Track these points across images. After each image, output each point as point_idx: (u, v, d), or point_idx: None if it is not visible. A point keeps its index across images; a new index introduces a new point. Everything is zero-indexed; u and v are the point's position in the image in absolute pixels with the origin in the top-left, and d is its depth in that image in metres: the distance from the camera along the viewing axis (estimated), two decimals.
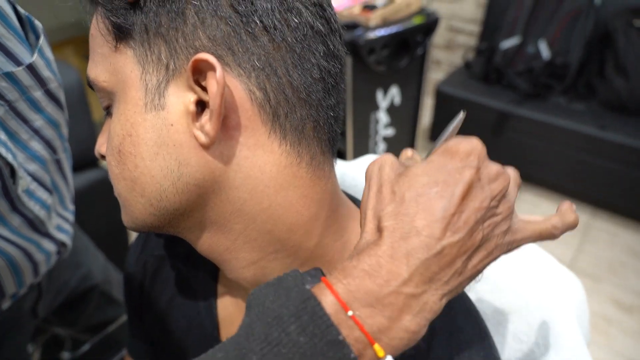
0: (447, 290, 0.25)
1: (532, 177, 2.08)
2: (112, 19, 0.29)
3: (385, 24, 1.40)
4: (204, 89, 0.28)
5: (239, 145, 0.29)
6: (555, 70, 1.90)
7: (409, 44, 1.47)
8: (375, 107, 1.57)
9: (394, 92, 1.59)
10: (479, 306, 0.52)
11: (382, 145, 1.70)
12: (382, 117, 1.62)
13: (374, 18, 1.38)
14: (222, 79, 0.26)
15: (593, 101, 1.89)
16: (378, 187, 0.27)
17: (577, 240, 1.79)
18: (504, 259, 0.53)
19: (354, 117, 1.51)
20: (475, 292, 0.52)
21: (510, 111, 1.91)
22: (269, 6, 0.28)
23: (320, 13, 0.30)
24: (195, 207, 0.31)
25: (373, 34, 1.36)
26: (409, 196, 0.25)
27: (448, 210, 0.24)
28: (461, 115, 0.31)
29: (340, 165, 0.66)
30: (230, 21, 0.28)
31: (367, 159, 0.67)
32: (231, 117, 0.29)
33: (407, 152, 0.33)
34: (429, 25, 1.51)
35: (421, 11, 1.50)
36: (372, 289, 0.23)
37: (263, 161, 0.30)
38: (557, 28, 1.88)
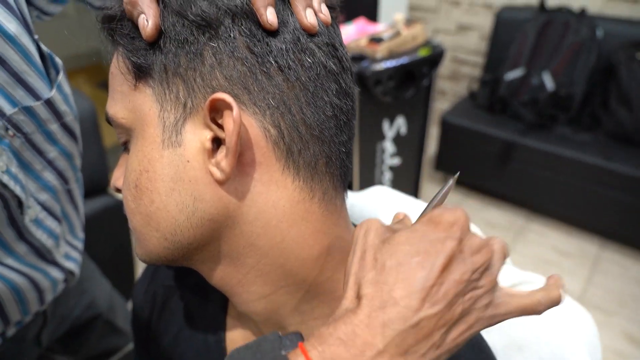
0: None
1: (539, 208, 2.06)
2: (132, 59, 0.30)
3: (391, 56, 1.43)
4: (220, 126, 0.28)
5: (253, 181, 0.30)
6: (560, 101, 1.92)
7: (415, 76, 1.50)
8: (381, 136, 1.59)
9: (400, 122, 1.61)
10: (489, 340, 0.51)
11: (388, 175, 1.70)
12: (389, 146, 1.63)
13: (380, 50, 1.41)
14: (238, 117, 0.27)
15: (598, 132, 1.90)
16: (362, 253, 0.27)
17: (587, 272, 1.76)
18: None
19: (360, 146, 1.52)
20: None
21: (515, 141, 1.92)
22: (284, 47, 0.29)
23: (333, 53, 0.31)
24: (209, 241, 0.31)
25: (379, 66, 1.39)
26: (390, 264, 0.25)
27: (427, 281, 0.24)
28: (451, 182, 0.31)
29: (355, 197, 0.66)
30: (246, 62, 0.29)
31: (374, 190, 0.68)
32: (246, 154, 0.29)
33: (399, 215, 0.33)
34: (435, 57, 1.54)
35: (427, 44, 1.54)
36: (346, 358, 0.23)
37: (277, 197, 0.30)
38: (560, 60, 1.91)
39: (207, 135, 0.29)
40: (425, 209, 0.31)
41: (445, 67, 2.60)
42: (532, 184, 1.97)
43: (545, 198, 1.97)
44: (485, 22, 2.35)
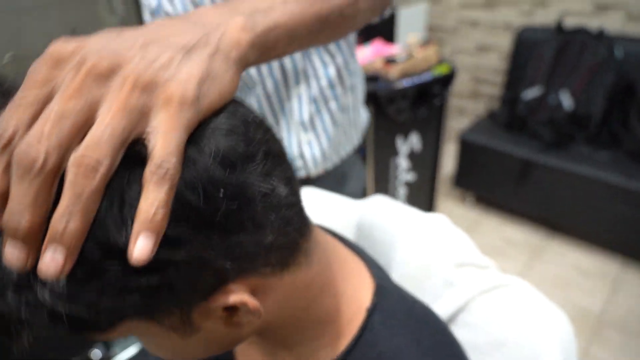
0: None
1: (558, 226, 2.05)
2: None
3: (404, 76, 1.50)
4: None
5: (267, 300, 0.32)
6: (578, 120, 1.93)
7: (428, 95, 1.56)
8: (395, 152, 1.64)
9: (414, 139, 1.66)
10: (471, 337, 0.55)
11: (402, 190, 1.75)
12: (403, 162, 1.68)
13: (394, 71, 1.47)
14: (258, 309, 0.29)
15: (618, 150, 1.89)
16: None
17: (607, 292, 1.74)
18: (492, 296, 0.57)
19: (374, 162, 1.58)
20: (459, 327, 0.56)
21: (534, 160, 1.93)
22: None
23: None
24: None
25: (393, 86, 1.45)
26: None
27: None
28: None
29: (355, 206, 0.72)
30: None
31: (374, 200, 0.73)
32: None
33: None
34: (447, 77, 1.59)
35: (439, 65, 1.59)
36: None
37: (274, 298, 0.32)
38: (578, 79, 1.93)
39: (220, 313, 0.29)
40: None
41: (465, 86, 2.64)
42: (552, 202, 1.97)
43: (564, 216, 1.96)
44: (504, 42, 2.38)
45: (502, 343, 0.54)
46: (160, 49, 0.25)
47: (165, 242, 0.23)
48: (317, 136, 0.87)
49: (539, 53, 2.05)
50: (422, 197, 1.86)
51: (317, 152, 0.87)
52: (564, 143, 1.96)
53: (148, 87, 0.23)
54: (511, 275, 0.61)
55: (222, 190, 0.25)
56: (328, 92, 0.83)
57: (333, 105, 0.84)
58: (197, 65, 0.25)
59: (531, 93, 2.03)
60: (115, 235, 0.23)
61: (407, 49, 1.60)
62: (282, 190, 0.29)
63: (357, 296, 0.38)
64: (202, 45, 0.26)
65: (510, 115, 2.12)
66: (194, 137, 0.25)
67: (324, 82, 0.82)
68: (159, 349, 0.32)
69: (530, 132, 2.04)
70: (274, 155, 0.29)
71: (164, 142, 0.23)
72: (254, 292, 0.30)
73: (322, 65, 0.81)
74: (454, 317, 0.58)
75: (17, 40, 2.18)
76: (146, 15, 0.78)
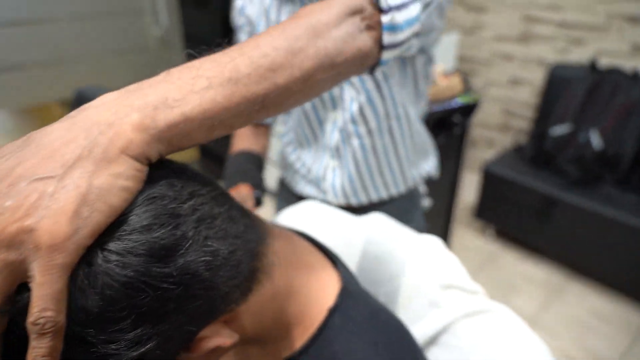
0: None
1: (580, 268, 1.98)
2: None
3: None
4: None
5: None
6: (607, 160, 1.88)
7: (448, 123, 1.57)
8: None
9: None
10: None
11: None
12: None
13: None
14: (233, 342, 0.32)
15: None
16: None
17: (627, 342, 1.66)
18: (476, 320, 0.57)
19: None
20: (440, 347, 0.56)
21: (558, 196, 1.89)
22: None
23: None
24: None
25: None
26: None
27: None
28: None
29: (354, 222, 0.74)
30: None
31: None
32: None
33: None
34: (469, 107, 1.60)
35: (464, 94, 1.60)
36: None
37: (245, 318, 0.35)
38: (609, 119, 1.89)
39: (204, 353, 0.31)
40: None
41: (495, 118, 2.62)
42: (574, 242, 1.91)
43: (587, 258, 1.89)
44: (537, 77, 2.37)
45: None
46: (28, 186, 0.23)
47: (131, 344, 0.26)
48: (342, 166, 0.86)
49: (571, 90, 2.02)
50: (438, 225, 1.85)
51: (337, 182, 0.87)
52: (591, 182, 1.91)
53: (14, 241, 0.22)
54: (498, 303, 0.61)
55: (164, 281, 0.26)
56: (350, 127, 0.81)
57: (355, 142, 0.82)
58: (73, 192, 0.23)
59: (560, 129, 2.00)
60: None
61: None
62: (222, 244, 0.30)
63: (321, 296, 0.40)
64: (84, 157, 0.25)
65: (537, 150, 2.10)
66: (118, 243, 0.25)
67: (347, 116, 0.81)
68: None
69: (556, 168, 2.01)
70: (204, 217, 0.29)
71: (38, 294, 0.22)
72: (227, 322, 0.33)
73: (350, 99, 0.79)
74: (435, 337, 0.59)
75: (69, 46, 2.34)
76: (235, 14, 0.83)
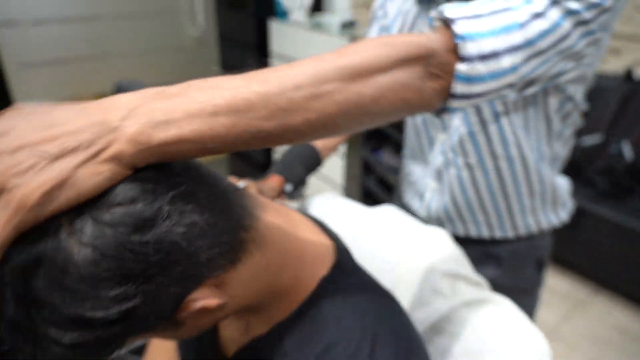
0: None
1: (604, 282, 1.93)
2: None
3: None
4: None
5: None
6: (638, 173, 1.83)
7: None
8: None
9: None
10: (448, 345, 0.58)
11: None
12: None
13: None
14: (219, 304, 0.35)
15: None
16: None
17: None
18: (476, 309, 0.59)
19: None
20: (439, 334, 0.58)
21: (586, 208, 1.85)
22: None
23: None
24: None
25: None
26: None
27: None
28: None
29: (367, 212, 0.76)
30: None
31: (386, 208, 0.77)
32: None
33: None
34: None
35: None
36: None
37: (236, 286, 0.38)
38: None
39: (193, 314, 0.35)
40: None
41: None
42: (601, 256, 1.87)
43: (614, 272, 1.84)
44: None
45: (477, 353, 0.56)
46: (27, 155, 0.27)
47: (117, 299, 0.30)
48: (441, 191, 0.82)
49: (604, 100, 1.98)
50: None
51: (433, 205, 0.84)
52: (621, 194, 1.86)
53: None
54: (500, 296, 0.62)
55: (143, 247, 0.30)
56: (450, 155, 0.78)
57: (452, 171, 0.78)
58: (55, 174, 0.27)
59: (590, 140, 1.96)
60: (79, 311, 0.29)
61: None
62: (199, 218, 0.33)
63: (316, 268, 0.43)
64: (82, 149, 0.28)
65: (567, 160, 2.05)
66: (105, 214, 0.29)
67: (449, 143, 0.77)
68: (160, 337, 0.40)
69: (585, 179, 1.96)
70: (184, 193, 0.32)
71: None
72: (216, 287, 0.36)
73: (455, 126, 0.75)
74: (437, 324, 0.61)
75: (111, 43, 2.46)
76: (376, 5, 0.85)
